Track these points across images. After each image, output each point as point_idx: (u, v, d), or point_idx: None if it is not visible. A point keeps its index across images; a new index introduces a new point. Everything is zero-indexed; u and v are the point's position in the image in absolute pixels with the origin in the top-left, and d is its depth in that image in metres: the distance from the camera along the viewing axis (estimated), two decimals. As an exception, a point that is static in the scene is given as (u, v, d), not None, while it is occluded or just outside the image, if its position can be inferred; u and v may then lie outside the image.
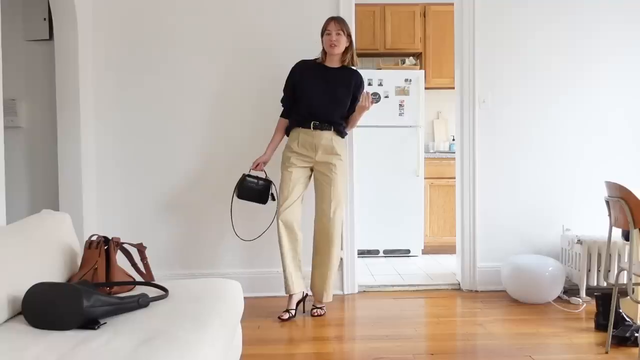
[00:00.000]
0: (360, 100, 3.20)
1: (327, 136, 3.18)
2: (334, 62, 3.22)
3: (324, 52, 3.21)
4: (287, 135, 3.29)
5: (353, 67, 3.26)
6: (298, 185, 3.21)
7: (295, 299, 3.25)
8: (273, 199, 3.28)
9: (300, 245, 3.26)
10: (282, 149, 3.30)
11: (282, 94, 3.31)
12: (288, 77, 3.27)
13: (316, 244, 3.26)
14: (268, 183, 3.28)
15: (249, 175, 3.27)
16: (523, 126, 3.77)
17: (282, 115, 3.32)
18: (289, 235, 3.20)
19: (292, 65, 3.28)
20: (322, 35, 3.19)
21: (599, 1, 3.77)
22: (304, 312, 3.30)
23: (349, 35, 3.17)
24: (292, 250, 3.22)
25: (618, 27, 3.78)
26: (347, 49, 3.19)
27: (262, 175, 3.30)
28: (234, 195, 3.29)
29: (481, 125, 3.76)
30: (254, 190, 3.25)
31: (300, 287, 3.25)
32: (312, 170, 3.26)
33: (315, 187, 3.27)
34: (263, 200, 3.27)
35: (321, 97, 3.15)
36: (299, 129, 3.19)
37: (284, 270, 3.22)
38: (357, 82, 3.24)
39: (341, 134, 3.24)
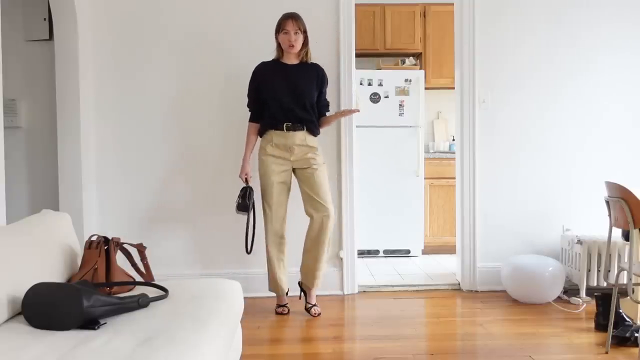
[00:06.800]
0: (343, 110, 3.18)
1: (301, 136, 3.18)
2: (291, 59, 3.22)
3: (280, 49, 3.21)
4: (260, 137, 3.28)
5: (312, 62, 3.26)
6: (282, 194, 3.22)
7: (283, 295, 3.33)
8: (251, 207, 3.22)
9: (286, 247, 3.31)
10: (256, 153, 3.28)
11: (248, 99, 3.30)
12: (250, 81, 3.26)
13: (310, 233, 3.23)
14: (244, 190, 3.21)
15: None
16: (523, 126, 3.77)
17: (251, 120, 3.30)
18: (279, 246, 3.27)
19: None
20: (277, 32, 3.18)
21: (600, 1, 3.77)
22: (305, 310, 3.28)
23: (304, 32, 3.18)
24: (279, 258, 3.28)
25: (620, 26, 3.77)
26: (303, 44, 3.20)
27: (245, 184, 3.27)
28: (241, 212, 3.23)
29: (481, 125, 3.76)
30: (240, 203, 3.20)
31: (286, 285, 3.33)
32: (293, 171, 3.25)
33: (301, 183, 3.24)
34: (248, 211, 3.19)
35: (287, 95, 3.14)
36: (272, 131, 3.18)
37: (272, 274, 3.28)
38: (319, 75, 3.24)
39: (314, 133, 3.23)
